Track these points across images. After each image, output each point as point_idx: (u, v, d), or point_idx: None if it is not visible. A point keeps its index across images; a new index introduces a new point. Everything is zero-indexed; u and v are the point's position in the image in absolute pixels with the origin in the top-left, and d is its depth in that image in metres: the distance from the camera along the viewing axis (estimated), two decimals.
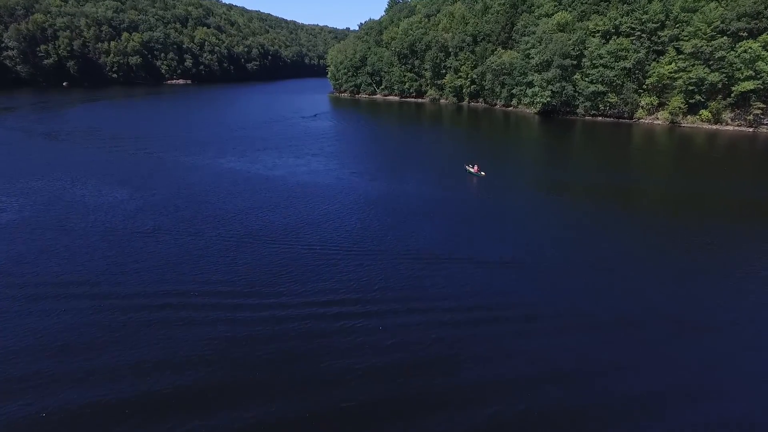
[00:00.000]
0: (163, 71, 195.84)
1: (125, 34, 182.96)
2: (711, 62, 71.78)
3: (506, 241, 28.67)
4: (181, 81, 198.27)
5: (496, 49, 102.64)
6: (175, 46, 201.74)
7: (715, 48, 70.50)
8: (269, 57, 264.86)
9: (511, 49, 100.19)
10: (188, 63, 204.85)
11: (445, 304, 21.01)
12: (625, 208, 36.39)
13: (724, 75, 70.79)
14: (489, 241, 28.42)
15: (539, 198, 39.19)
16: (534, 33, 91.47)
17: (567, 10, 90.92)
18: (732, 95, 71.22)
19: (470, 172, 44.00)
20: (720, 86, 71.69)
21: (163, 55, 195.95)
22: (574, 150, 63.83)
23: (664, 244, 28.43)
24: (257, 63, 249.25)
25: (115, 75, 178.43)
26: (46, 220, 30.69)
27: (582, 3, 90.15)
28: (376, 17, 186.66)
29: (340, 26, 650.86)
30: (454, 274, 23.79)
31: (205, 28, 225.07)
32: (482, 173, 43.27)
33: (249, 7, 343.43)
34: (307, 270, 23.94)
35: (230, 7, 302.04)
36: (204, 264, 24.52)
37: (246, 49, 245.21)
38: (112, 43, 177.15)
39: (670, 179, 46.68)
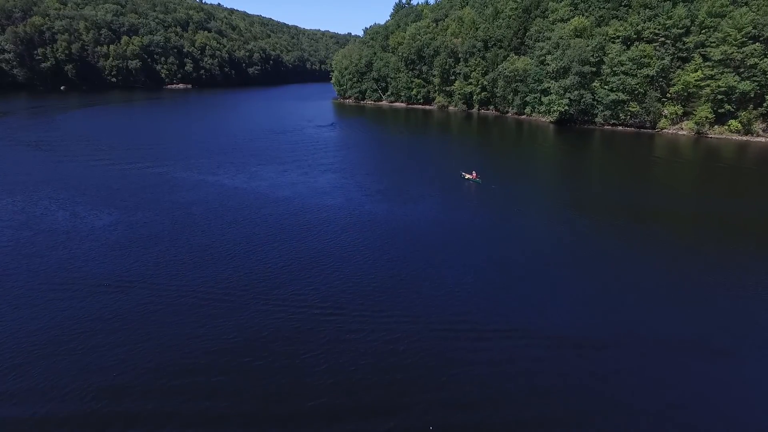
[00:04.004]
0: (163, 75, 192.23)
1: (125, 38, 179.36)
2: (742, 70, 67.70)
3: (559, 300, 22.69)
4: (181, 85, 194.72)
5: (508, 55, 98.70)
6: (175, 50, 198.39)
7: (747, 55, 66.47)
8: (271, 62, 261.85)
9: (524, 55, 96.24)
10: (189, 67, 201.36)
11: (510, 414, 15.52)
12: (698, 241, 31.85)
13: (756, 83, 66.70)
14: (536, 301, 22.45)
15: (574, 225, 34.64)
16: (549, 39, 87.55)
17: (584, 15, 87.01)
18: (764, 105, 67.11)
19: (472, 180, 44.25)
20: (752, 95, 67.53)
21: (163, 59, 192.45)
22: (598, 163, 59.49)
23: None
24: (258, 68, 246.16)
25: (114, 79, 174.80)
26: None
27: (600, 8, 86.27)
28: (379, 22, 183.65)
29: (342, 31, 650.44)
30: (506, 362, 17.94)
31: (206, 32, 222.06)
32: (479, 180, 43.96)
33: (250, 12, 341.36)
34: (316, 345, 18.53)
35: (232, 11, 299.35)
36: (188, 340, 18.70)
37: (247, 54, 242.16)
38: (112, 47, 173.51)
39: (722, 201, 42.31)
